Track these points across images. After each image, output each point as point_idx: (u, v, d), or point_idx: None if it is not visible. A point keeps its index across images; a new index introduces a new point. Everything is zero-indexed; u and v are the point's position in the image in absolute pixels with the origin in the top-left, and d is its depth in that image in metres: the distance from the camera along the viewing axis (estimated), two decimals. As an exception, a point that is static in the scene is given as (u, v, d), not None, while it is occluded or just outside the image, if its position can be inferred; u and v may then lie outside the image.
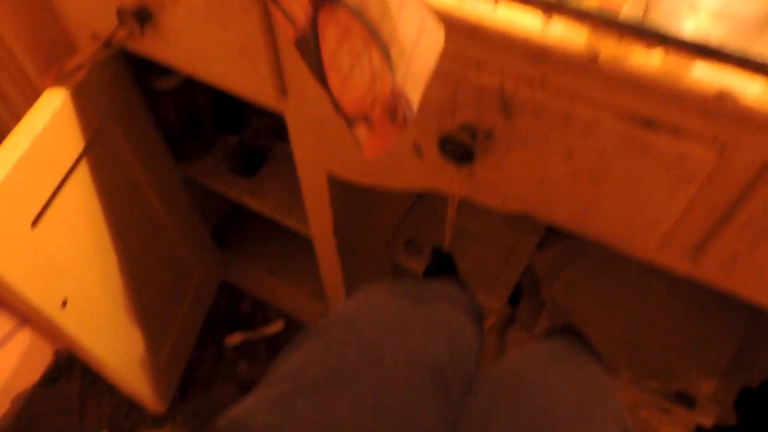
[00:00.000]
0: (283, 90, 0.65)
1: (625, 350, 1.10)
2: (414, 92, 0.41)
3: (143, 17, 0.65)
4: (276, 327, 1.24)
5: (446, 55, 0.49)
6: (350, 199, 0.85)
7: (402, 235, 1.10)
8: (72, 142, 0.76)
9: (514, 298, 1.15)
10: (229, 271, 1.29)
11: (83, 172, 0.80)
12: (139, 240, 0.97)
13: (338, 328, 0.50)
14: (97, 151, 0.81)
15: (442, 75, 0.50)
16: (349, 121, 0.43)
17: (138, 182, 0.93)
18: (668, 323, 1.07)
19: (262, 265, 1.25)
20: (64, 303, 0.79)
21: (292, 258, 1.24)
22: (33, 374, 1.25)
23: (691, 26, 0.39)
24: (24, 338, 1.28)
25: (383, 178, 0.68)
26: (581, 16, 0.41)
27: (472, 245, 1.08)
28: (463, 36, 0.45)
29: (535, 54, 0.43)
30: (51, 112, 0.71)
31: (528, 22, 0.42)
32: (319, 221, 0.86)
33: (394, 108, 0.41)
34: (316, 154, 0.72)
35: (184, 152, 1.03)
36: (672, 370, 1.05)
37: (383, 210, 1.04)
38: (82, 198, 0.81)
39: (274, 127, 1.05)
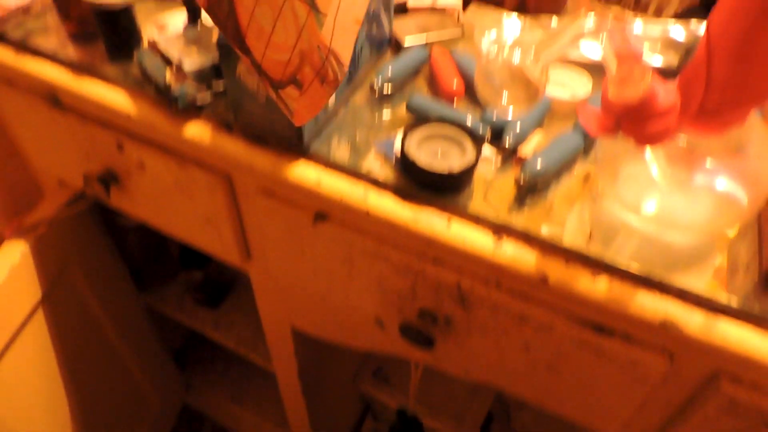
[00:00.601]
0: (247, 254, 0.65)
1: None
2: (344, 48, 0.38)
3: (109, 181, 0.65)
4: (238, 456, 1.18)
5: (404, 249, 0.50)
6: (315, 344, 0.83)
7: (369, 364, 1.08)
8: (29, 293, 0.74)
9: (485, 427, 1.13)
10: (190, 395, 1.24)
11: (39, 320, 0.77)
12: (95, 377, 0.93)
13: None
14: (55, 296, 0.79)
15: (400, 266, 0.51)
16: (275, 85, 0.39)
17: (97, 318, 0.91)
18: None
19: (225, 390, 1.21)
20: (6, 463, 0.74)
21: (255, 383, 1.19)
22: None
23: (633, 254, 0.41)
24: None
25: (347, 339, 0.68)
26: (529, 239, 0.42)
27: (441, 375, 1.06)
28: (420, 241, 0.46)
29: (488, 266, 0.44)
30: (8, 267, 0.70)
31: (480, 240, 0.43)
32: (283, 366, 0.84)
33: (323, 69, 0.38)
34: (281, 309, 0.72)
35: (148, 282, 1.01)
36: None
37: (350, 340, 1.03)
38: (35, 347, 0.78)
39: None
